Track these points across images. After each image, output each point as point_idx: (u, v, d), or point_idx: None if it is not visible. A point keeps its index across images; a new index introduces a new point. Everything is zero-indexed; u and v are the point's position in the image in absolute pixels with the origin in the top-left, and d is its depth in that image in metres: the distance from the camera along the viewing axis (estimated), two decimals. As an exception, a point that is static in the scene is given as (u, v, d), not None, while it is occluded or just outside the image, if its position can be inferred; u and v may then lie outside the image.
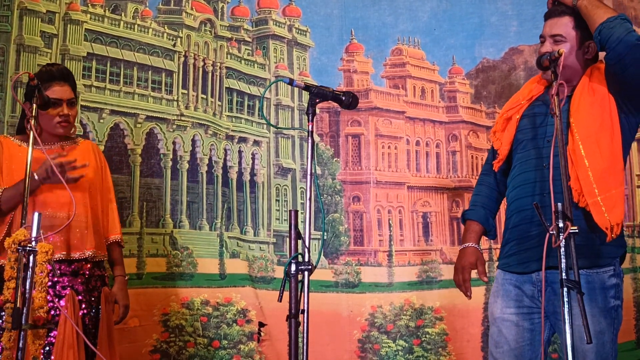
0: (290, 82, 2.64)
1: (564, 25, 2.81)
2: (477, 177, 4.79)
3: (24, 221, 2.48)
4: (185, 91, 4.57)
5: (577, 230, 2.27)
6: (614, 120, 2.71)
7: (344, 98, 2.71)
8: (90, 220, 3.15)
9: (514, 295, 2.83)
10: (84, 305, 3.07)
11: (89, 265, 3.13)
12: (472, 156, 4.90)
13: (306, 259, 2.48)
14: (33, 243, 2.43)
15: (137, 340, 4.13)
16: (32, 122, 2.61)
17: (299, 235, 2.52)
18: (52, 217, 3.02)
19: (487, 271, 2.94)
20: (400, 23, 4.94)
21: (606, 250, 2.70)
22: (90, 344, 2.93)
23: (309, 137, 2.61)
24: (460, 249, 3.04)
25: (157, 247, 4.30)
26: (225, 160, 4.66)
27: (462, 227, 3.16)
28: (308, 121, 2.63)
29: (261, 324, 4.25)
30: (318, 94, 2.65)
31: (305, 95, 2.72)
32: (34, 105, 2.66)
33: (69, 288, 3.04)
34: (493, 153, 3.11)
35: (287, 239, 2.57)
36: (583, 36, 2.80)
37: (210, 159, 4.60)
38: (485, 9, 4.87)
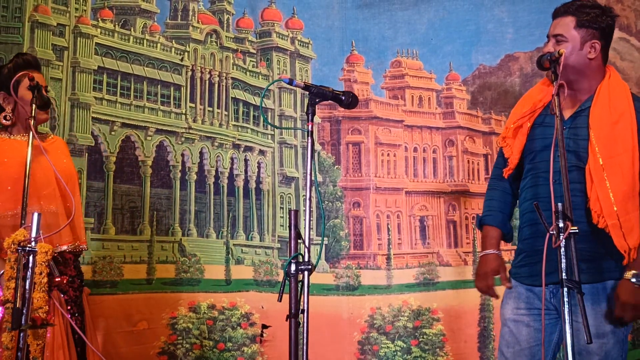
0: (290, 82, 2.53)
1: (565, 25, 2.65)
2: (473, 181, 4.70)
3: (23, 221, 2.35)
4: (193, 105, 4.51)
5: (577, 231, 2.15)
6: (634, 142, 2.55)
7: (343, 97, 2.60)
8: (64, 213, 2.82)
9: (525, 297, 2.69)
10: (69, 308, 2.82)
11: (72, 267, 2.89)
12: (468, 161, 4.77)
13: (306, 259, 2.35)
14: (33, 243, 2.29)
15: (145, 342, 4.08)
16: (32, 122, 2.46)
17: (299, 235, 2.40)
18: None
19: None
20: (400, 36, 4.82)
21: (617, 268, 2.55)
22: (86, 339, 2.75)
23: (309, 137, 2.51)
24: (481, 255, 2.87)
25: (166, 254, 4.27)
26: (231, 168, 4.59)
27: (478, 232, 2.98)
28: (308, 121, 2.52)
29: (264, 326, 4.17)
30: (318, 93, 2.54)
31: (308, 104, 2.60)
32: (34, 106, 2.52)
33: (54, 288, 2.75)
34: (503, 159, 2.91)
35: (290, 243, 2.42)
36: (585, 36, 2.63)
37: (216, 170, 4.54)
38: (482, 17, 4.73)
